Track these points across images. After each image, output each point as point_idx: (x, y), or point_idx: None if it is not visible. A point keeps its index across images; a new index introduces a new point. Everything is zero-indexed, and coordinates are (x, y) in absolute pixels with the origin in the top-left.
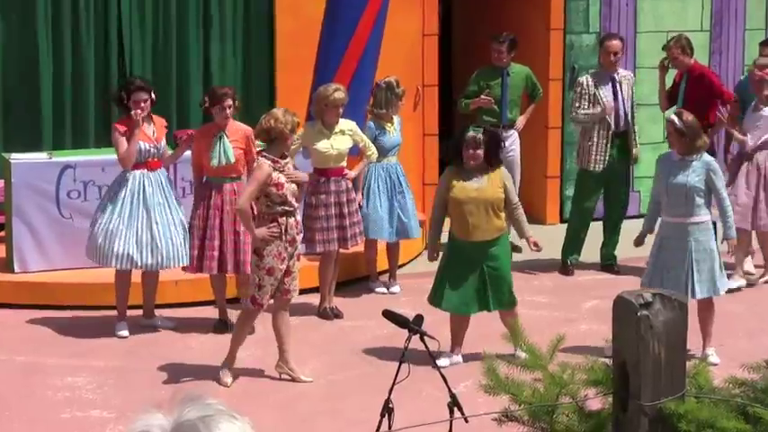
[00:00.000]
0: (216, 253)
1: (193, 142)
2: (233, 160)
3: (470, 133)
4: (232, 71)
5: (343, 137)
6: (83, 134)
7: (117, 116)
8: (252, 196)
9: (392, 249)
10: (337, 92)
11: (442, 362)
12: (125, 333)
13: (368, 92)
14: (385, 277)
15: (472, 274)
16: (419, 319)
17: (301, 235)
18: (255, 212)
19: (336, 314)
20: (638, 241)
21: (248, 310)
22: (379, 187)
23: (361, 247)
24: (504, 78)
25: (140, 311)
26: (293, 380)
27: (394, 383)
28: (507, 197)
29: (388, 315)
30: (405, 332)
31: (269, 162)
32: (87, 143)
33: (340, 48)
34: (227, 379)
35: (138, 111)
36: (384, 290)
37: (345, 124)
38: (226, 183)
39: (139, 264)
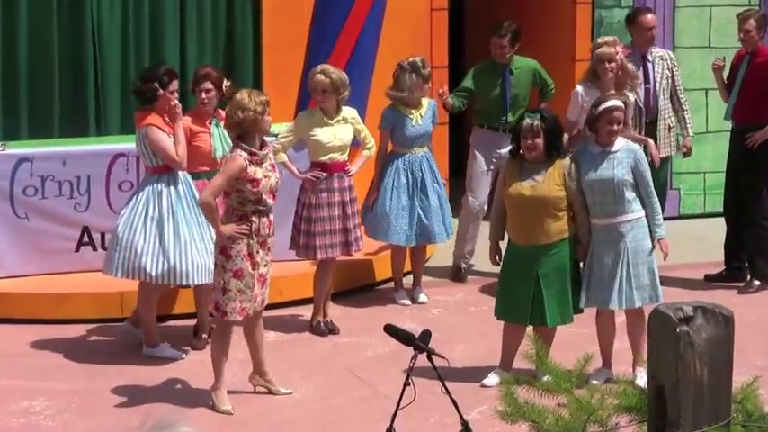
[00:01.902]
0: None
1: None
2: None
3: (527, 120)
4: (211, 49)
5: (346, 126)
6: (44, 123)
7: (91, 101)
8: (219, 190)
9: (417, 254)
10: (320, 74)
11: (489, 380)
12: (178, 354)
13: (368, 74)
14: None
15: (526, 282)
16: (426, 335)
17: (273, 238)
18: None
19: (331, 329)
20: (583, 254)
21: (219, 324)
22: (394, 183)
23: (362, 253)
24: (506, 77)
25: (109, 322)
26: (270, 392)
27: (397, 409)
28: (569, 194)
29: (391, 330)
30: (410, 350)
31: (245, 155)
32: (50, 133)
33: (336, 23)
34: (226, 406)
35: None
36: (408, 302)
37: (347, 112)
38: None
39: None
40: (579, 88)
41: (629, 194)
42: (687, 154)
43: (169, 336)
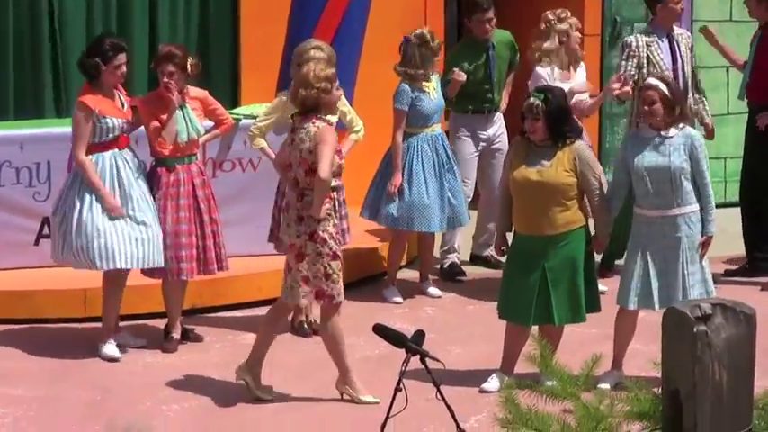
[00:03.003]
0: (195, 252)
1: (141, 114)
2: (202, 131)
3: (529, 100)
4: (184, 22)
5: None
6: None
7: (50, 80)
8: (332, 163)
9: (427, 241)
10: (315, 50)
11: (489, 385)
12: (115, 352)
13: (357, 51)
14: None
15: (532, 277)
16: (419, 335)
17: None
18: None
19: (315, 330)
20: (599, 248)
21: (329, 311)
22: (423, 166)
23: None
24: (490, 54)
25: (72, 322)
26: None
27: (387, 417)
28: (582, 182)
29: (381, 331)
30: (401, 352)
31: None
32: (6, 115)
33: None
34: (368, 397)
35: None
36: (400, 299)
37: None
38: (192, 162)
39: (145, 261)
40: (542, 71)
41: (687, 185)
42: (710, 136)
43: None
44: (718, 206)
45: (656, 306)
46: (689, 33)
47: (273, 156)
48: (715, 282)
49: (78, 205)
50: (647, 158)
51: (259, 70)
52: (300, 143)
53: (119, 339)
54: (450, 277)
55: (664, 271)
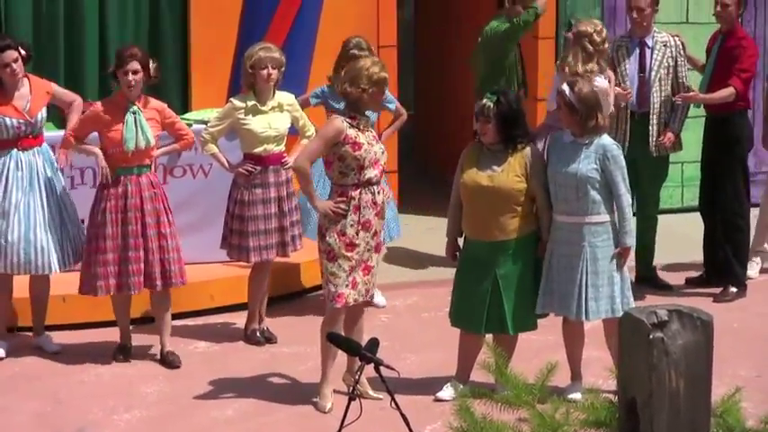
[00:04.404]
0: (142, 266)
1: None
2: (153, 142)
3: (482, 100)
4: (134, 25)
5: (282, 114)
6: None
7: None
8: (314, 154)
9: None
10: (263, 50)
11: (444, 393)
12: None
13: (309, 54)
14: None
15: (483, 284)
16: (373, 344)
17: (381, 221)
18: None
19: (268, 338)
20: (541, 252)
21: (328, 311)
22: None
23: (299, 255)
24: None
25: (20, 330)
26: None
27: (342, 426)
28: (533, 187)
29: (335, 339)
30: (355, 361)
31: (343, 117)
32: None
33: None
34: (326, 403)
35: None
36: (383, 301)
37: (283, 97)
38: (142, 173)
39: (6, 267)
40: (603, 81)
41: (594, 194)
42: (664, 146)
43: (89, 349)
44: (675, 212)
45: (537, 310)
46: (677, 40)
47: (225, 162)
48: (673, 291)
49: None
50: (559, 163)
51: (209, 75)
52: None
53: (38, 342)
54: None
55: (564, 278)
